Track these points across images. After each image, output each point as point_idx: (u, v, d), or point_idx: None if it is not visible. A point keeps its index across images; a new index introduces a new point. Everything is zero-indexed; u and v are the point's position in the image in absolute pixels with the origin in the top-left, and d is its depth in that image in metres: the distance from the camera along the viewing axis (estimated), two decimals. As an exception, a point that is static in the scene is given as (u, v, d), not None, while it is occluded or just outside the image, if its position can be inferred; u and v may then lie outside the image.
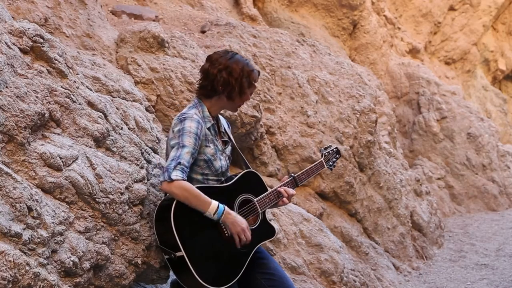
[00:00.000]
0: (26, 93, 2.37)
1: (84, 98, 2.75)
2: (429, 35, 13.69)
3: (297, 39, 7.01)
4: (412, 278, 6.22)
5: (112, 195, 2.58)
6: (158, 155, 3.28)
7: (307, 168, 3.26)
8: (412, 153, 10.75)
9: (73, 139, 2.60)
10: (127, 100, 3.41)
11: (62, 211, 2.36)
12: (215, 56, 2.93)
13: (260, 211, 2.94)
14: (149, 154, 3.04)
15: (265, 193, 2.98)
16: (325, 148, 3.46)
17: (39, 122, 2.40)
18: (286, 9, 10.06)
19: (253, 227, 2.88)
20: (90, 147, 2.65)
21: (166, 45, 4.91)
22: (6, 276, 1.96)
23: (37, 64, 2.60)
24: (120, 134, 2.88)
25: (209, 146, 2.86)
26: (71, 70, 2.80)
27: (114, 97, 3.28)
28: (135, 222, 2.71)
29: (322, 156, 3.40)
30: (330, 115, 6.17)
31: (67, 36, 4.15)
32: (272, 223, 3.13)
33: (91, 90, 2.93)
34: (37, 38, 2.61)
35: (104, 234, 2.55)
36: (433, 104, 10.93)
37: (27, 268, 2.05)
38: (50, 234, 2.22)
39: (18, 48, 2.52)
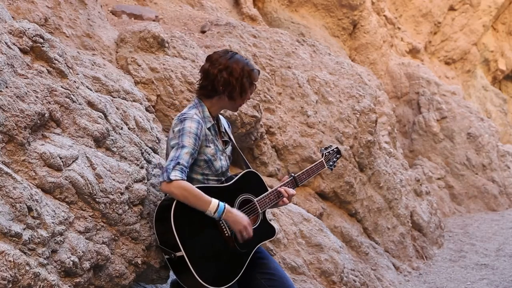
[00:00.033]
0: (26, 93, 2.37)
1: (84, 98, 2.75)
2: (429, 35, 13.69)
3: (297, 39, 7.01)
4: (412, 278, 6.22)
5: (112, 195, 2.58)
6: (158, 155, 3.28)
7: (308, 168, 3.26)
8: (412, 153, 10.75)
9: (73, 139, 2.60)
10: (127, 100, 3.41)
11: (62, 211, 2.36)
12: (215, 56, 2.93)
13: (260, 211, 2.94)
14: (149, 154, 3.04)
15: (265, 193, 2.98)
16: (326, 148, 3.46)
17: (39, 122, 2.40)
18: (286, 9, 10.06)
19: (253, 227, 2.88)
20: (90, 147, 2.65)
21: (166, 45, 4.91)
22: (6, 276, 1.96)
23: (37, 64, 2.60)
24: (120, 134, 2.88)
25: (210, 146, 2.86)
26: (71, 70, 2.80)
27: (114, 97, 3.28)
28: (135, 222, 2.71)
29: (322, 156, 3.40)
30: (330, 115, 6.17)
31: (67, 36, 4.15)
32: (272, 223, 3.13)
33: (91, 90, 2.93)
34: (37, 38, 2.61)
35: (104, 234, 2.55)
36: (433, 104, 10.93)
37: (27, 268, 2.05)
38: (50, 234, 2.22)
39: (18, 48, 2.52)
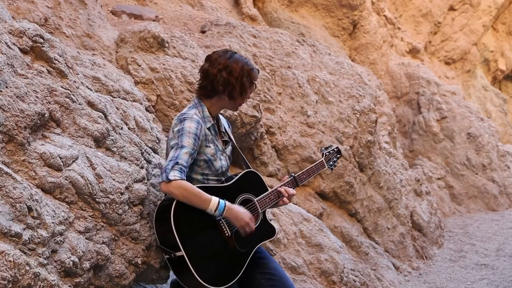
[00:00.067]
0: (26, 93, 2.37)
1: (84, 98, 2.75)
2: (429, 35, 13.69)
3: (297, 39, 7.01)
4: (412, 278, 6.22)
5: (112, 195, 2.58)
6: (158, 155, 3.28)
7: (308, 167, 3.26)
8: (412, 153, 10.75)
9: (73, 139, 2.60)
10: (127, 100, 3.41)
11: (62, 211, 2.36)
12: (215, 56, 2.92)
13: (260, 211, 2.94)
14: (149, 154, 3.04)
15: (266, 193, 2.97)
16: (326, 148, 3.45)
17: (39, 122, 2.40)
18: (286, 9, 10.06)
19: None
20: (90, 147, 2.65)
21: (166, 45, 4.91)
22: (6, 276, 1.96)
23: (37, 64, 2.60)
24: (120, 134, 2.88)
25: (209, 146, 2.86)
26: (71, 70, 2.80)
27: (114, 97, 3.28)
28: (135, 222, 2.71)
29: (322, 155, 3.39)
30: (330, 115, 6.17)
31: (67, 36, 4.15)
32: (272, 223, 3.13)
33: (91, 90, 2.93)
34: (37, 38, 2.61)
35: (104, 234, 2.55)
36: (433, 104, 10.93)
37: (27, 268, 2.05)
38: (50, 234, 2.22)
39: (18, 48, 2.52)
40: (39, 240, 2.16)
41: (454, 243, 7.93)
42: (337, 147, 3.50)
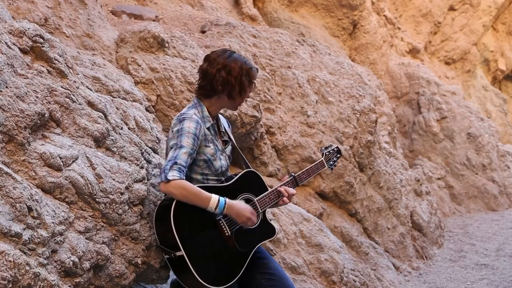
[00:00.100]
0: (26, 93, 2.37)
1: (84, 98, 2.75)
2: (429, 35, 13.69)
3: (297, 39, 7.01)
4: (412, 278, 6.22)
5: (112, 195, 2.58)
6: (158, 155, 3.28)
7: (308, 167, 3.26)
8: (412, 153, 10.75)
9: (73, 139, 2.60)
10: (127, 100, 3.41)
11: (62, 211, 2.36)
12: (213, 55, 2.92)
13: (260, 211, 2.94)
14: (149, 154, 3.04)
15: (266, 193, 2.97)
16: (326, 148, 3.45)
17: (39, 122, 2.40)
18: (286, 9, 10.06)
19: (253, 227, 2.88)
20: (90, 147, 2.65)
21: (166, 45, 4.91)
22: (6, 276, 1.96)
23: (37, 64, 2.60)
24: (120, 134, 2.88)
25: (209, 146, 2.86)
26: (71, 70, 2.80)
27: (114, 97, 3.28)
28: (135, 222, 2.71)
29: (322, 155, 3.39)
30: (330, 115, 6.17)
31: (67, 36, 4.15)
32: (272, 223, 3.13)
33: (91, 90, 2.93)
34: (37, 38, 2.61)
35: (104, 234, 2.55)
36: (433, 104, 10.93)
37: (27, 268, 2.05)
38: (50, 234, 2.22)
39: (18, 48, 2.52)
40: (39, 240, 2.16)
41: (454, 243, 7.93)
42: (337, 147, 3.50)
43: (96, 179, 2.54)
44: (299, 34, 9.14)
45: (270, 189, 3.02)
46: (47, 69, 2.61)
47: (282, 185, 3.06)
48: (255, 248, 2.90)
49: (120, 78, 3.65)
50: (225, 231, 2.75)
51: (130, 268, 2.69)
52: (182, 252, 2.59)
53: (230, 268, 2.76)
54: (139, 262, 2.72)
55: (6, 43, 2.44)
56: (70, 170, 2.44)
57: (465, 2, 14.19)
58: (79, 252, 2.35)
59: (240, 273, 2.79)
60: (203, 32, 6.22)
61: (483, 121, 11.31)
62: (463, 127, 10.80)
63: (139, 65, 4.63)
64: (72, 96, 2.65)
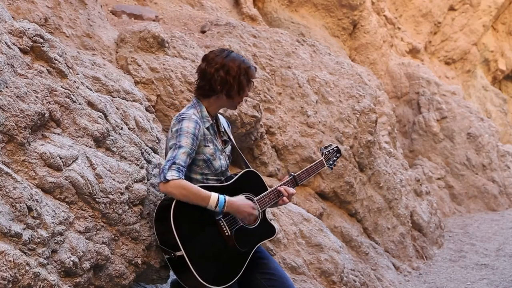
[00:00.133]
0: (26, 93, 2.37)
1: (84, 98, 2.75)
2: (429, 35, 13.69)
3: (297, 39, 7.01)
4: (412, 278, 6.22)
5: (112, 195, 2.58)
6: (158, 155, 3.28)
7: (307, 167, 3.26)
8: (412, 153, 10.75)
9: (73, 139, 2.60)
10: (127, 100, 3.41)
11: (62, 211, 2.36)
12: (211, 55, 2.92)
13: (260, 210, 2.94)
14: (149, 154, 3.04)
15: (265, 192, 2.97)
16: (326, 147, 3.45)
17: (39, 122, 2.40)
18: (286, 9, 10.06)
19: (253, 227, 2.88)
20: (90, 147, 2.65)
21: (166, 45, 4.91)
22: (6, 276, 1.96)
23: (37, 64, 2.60)
24: (120, 134, 2.88)
25: (208, 146, 2.86)
26: (71, 70, 2.80)
27: (114, 97, 3.28)
28: (135, 222, 2.71)
29: (322, 155, 3.39)
30: (330, 115, 6.17)
31: (67, 36, 4.15)
32: (272, 222, 3.13)
33: (91, 90, 2.93)
34: (37, 38, 2.61)
35: (104, 234, 2.55)
36: (433, 104, 10.93)
37: (27, 268, 2.05)
38: (50, 234, 2.22)
39: (18, 48, 2.52)
40: (39, 240, 2.16)
41: (454, 243, 7.93)
42: (336, 147, 3.50)
43: (96, 179, 2.54)
44: (299, 34, 9.14)
45: (270, 189, 3.02)
46: (47, 69, 2.61)
47: (282, 184, 3.06)
48: (255, 248, 2.90)
49: (120, 78, 3.65)
50: (225, 231, 2.75)
51: (130, 268, 2.69)
52: (182, 252, 2.59)
53: (230, 268, 2.76)
54: (139, 262, 2.72)
55: (6, 43, 2.44)
56: (70, 170, 2.44)
57: (465, 2, 14.19)
58: (79, 252, 2.35)
59: (240, 273, 2.79)
60: (203, 32, 6.22)
61: (483, 121, 11.31)
62: (463, 127, 10.80)
63: (139, 65, 4.63)
64: (72, 96, 2.65)
